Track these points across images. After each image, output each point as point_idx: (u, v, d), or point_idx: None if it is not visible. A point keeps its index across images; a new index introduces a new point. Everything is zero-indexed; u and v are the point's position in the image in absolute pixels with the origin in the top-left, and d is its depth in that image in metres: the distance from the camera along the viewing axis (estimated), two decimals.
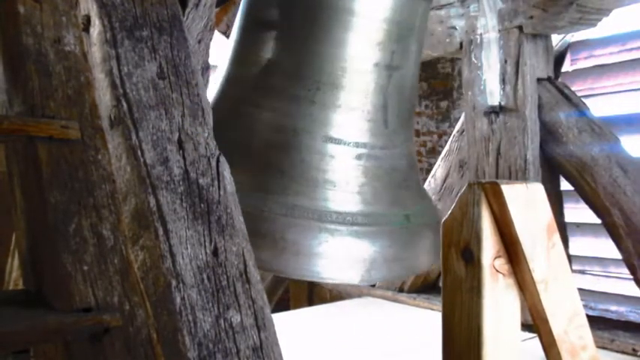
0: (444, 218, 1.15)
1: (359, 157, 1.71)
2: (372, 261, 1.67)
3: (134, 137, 1.24)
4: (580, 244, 3.55)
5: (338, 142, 1.69)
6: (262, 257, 1.42)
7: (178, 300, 1.15)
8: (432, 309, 3.37)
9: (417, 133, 5.61)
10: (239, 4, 1.93)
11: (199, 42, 1.85)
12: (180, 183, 1.25)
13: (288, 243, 1.59)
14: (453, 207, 1.12)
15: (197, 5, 1.71)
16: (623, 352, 2.57)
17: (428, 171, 4.10)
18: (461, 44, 3.00)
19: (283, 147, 1.68)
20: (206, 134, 1.32)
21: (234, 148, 1.57)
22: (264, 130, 1.71)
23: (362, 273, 1.67)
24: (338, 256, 1.64)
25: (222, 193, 1.29)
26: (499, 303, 1.07)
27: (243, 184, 1.48)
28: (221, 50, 2.03)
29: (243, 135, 1.72)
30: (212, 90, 1.89)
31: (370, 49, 1.71)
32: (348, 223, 1.65)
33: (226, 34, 6.15)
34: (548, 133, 2.78)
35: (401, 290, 3.79)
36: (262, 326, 1.23)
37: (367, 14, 1.69)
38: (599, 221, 2.71)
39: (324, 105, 1.68)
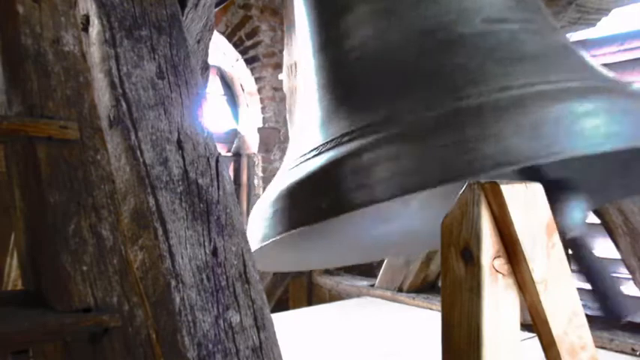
0: (444, 218, 1.15)
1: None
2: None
3: (133, 137, 1.24)
4: None
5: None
6: (516, 147, 1.11)
7: (178, 300, 1.15)
8: (432, 309, 3.37)
9: None
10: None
11: (198, 42, 1.85)
12: (180, 183, 1.25)
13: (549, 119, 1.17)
14: (452, 207, 1.12)
15: (196, 5, 1.71)
16: (622, 352, 2.58)
17: None
18: None
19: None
20: (205, 134, 1.32)
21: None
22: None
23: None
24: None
25: (221, 193, 1.29)
26: (499, 303, 1.07)
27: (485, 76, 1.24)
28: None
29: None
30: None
31: None
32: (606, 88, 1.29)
33: (225, 33, 6.15)
34: None
35: (400, 290, 3.80)
36: (262, 326, 1.23)
37: None
38: (598, 221, 2.71)
39: None
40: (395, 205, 1.87)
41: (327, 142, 1.35)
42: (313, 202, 1.29)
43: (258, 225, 1.47)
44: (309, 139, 1.45)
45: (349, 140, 1.29)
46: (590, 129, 1.16)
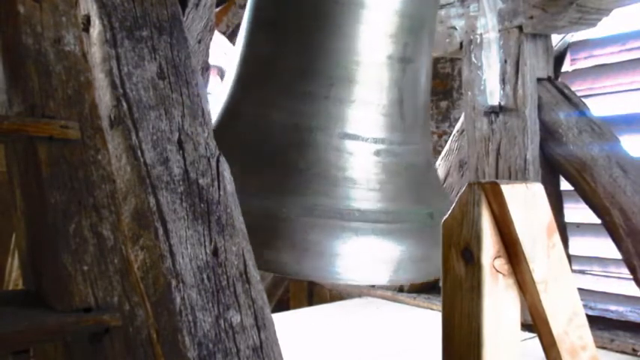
0: (444, 218, 1.15)
1: (377, 153, 1.65)
2: (400, 260, 1.59)
3: (134, 137, 1.24)
4: (580, 244, 3.55)
5: (355, 138, 1.63)
6: (283, 260, 1.36)
7: (178, 300, 1.15)
8: (432, 309, 3.37)
9: None
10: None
11: (199, 42, 1.85)
12: (180, 183, 1.25)
13: (310, 244, 1.52)
14: (452, 207, 1.12)
15: (197, 5, 1.71)
16: (623, 352, 2.57)
17: None
18: (461, 44, 3.00)
19: (300, 145, 1.62)
20: (206, 134, 1.32)
21: (249, 149, 1.54)
22: (280, 129, 1.65)
23: (390, 273, 1.58)
24: (363, 255, 1.55)
25: (222, 193, 1.29)
26: (499, 303, 1.07)
27: (261, 186, 1.44)
28: (229, 52, 2.01)
29: (257, 136, 1.67)
30: (221, 92, 1.85)
31: (383, 41, 1.66)
32: (371, 220, 1.57)
33: (226, 34, 6.16)
34: (548, 133, 2.78)
35: (401, 290, 3.79)
36: (262, 326, 1.23)
37: (378, 6, 1.64)
38: (599, 221, 2.70)
39: (338, 100, 1.63)
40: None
41: None
42: None
43: None
44: None
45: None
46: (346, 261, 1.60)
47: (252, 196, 1.46)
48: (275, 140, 1.65)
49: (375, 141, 1.65)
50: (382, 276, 1.59)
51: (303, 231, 1.52)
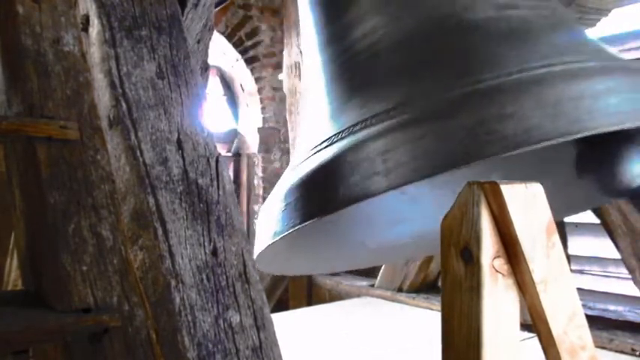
0: (444, 218, 1.14)
1: None
2: None
3: (133, 137, 1.24)
4: (579, 244, 3.56)
5: None
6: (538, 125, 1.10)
7: (178, 300, 1.15)
8: (431, 309, 3.37)
9: None
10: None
11: (198, 42, 1.85)
12: (180, 183, 1.25)
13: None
14: (452, 207, 1.12)
15: (196, 5, 1.71)
16: (622, 352, 2.57)
17: None
18: None
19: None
20: (205, 134, 1.32)
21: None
22: None
23: None
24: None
25: (221, 193, 1.29)
26: (498, 303, 1.07)
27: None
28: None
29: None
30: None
31: None
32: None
33: (225, 33, 6.14)
34: None
35: (400, 290, 3.80)
36: (262, 326, 1.23)
37: None
38: (598, 221, 2.71)
39: None
40: (405, 206, 1.85)
41: (339, 133, 1.32)
42: (328, 191, 1.24)
43: (269, 222, 1.40)
44: (319, 132, 1.42)
45: (363, 128, 1.26)
46: (613, 105, 1.14)
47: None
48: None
49: None
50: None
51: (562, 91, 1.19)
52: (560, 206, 1.73)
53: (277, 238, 1.33)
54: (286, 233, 1.31)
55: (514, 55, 1.26)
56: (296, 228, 1.28)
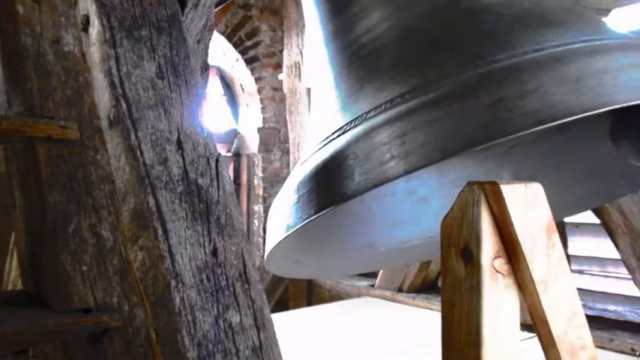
0: (444, 218, 1.14)
1: None
2: None
3: (133, 137, 1.24)
4: (579, 244, 3.56)
5: None
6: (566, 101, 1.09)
7: (178, 300, 1.15)
8: (431, 309, 3.37)
9: None
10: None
11: (198, 42, 1.85)
12: (180, 183, 1.25)
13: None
14: (452, 206, 1.12)
15: (196, 5, 1.71)
16: (622, 352, 2.57)
17: None
18: None
19: None
20: (205, 134, 1.32)
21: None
22: None
23: None
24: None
25: (221, 193, 1.29)
26: (498, 303, 1.07)
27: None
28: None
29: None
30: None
31: None
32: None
33: (225, 34, 6.14)
34: None
35: (400, 290, 3.79)
36: (262, 326, 1.23)
37: None
38: (598, 221, 2.71)
39: None
40: (414, 206, 1.83)
41: (352, 121, 1.28)
42: (344, 179, 1.20)
43: (280, 216, 1.34)
44: (330, 123, 1.37)
45: (377, 114, 1.22)
46: (638, 78, 1.12)
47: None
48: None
49: None
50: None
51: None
52: (566, 204, 1.72)
53: (290, 231, 1.28)
54: (300, 225, 1.26)
55: (530, 36, 1.24)
56: (311, 219, 1.23)
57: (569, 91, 1.09)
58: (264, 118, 6.41)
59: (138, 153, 1.23)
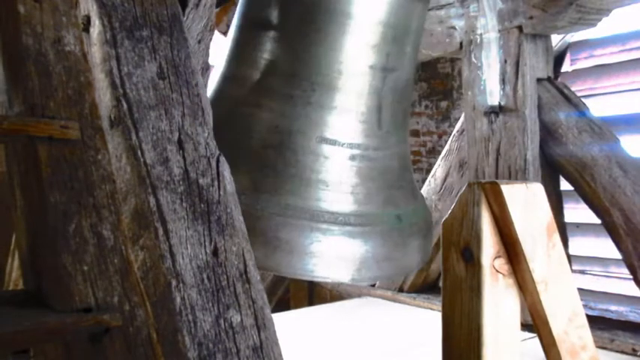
0: (444, 218, 1.15)
1: (352, 157, 1.72)
2: (363, 260, 1.69)
3: (134, 137, 1.24)
4: (580, 244, 3.55)
5: (332, 142, 1.70)
6: (256, 255, 1.43)
7: (178, 300, 1.15)
8: (432, 309, 3.37)
9: (417, 133, 5.61)
10: (237, 4, 1.93)
11: (199, 42, 1.85)
12: (180, 183, 1.25)
13: (281, 242, 1.62)
14: (453, 207, 1.12)
15: (197, 5, 1.71)
16: (622, 352, 2.57)
17: (428, 171, 4.10)
18: (461, 44, 3.00)
19: (278, 147, 1.69)
20: (206, 134, 1.32)
21: (230, 147, 1.56)
22: (261, 129, 1.72)
23: (352, 272, 1.69)
24: (329, 255, 1.66)
25: (222, 193, 1.29)
26: (499, 303, 1.07)
27: (238, 183, 1.48)
28: (219, 49, 2.02)
29: (239, 134, 1.73)
30: (209, 88, 1.89)
31: (365, 51, 1.72)
32: (340, 222, 1.67)
33: (226, 34, 6.15)
34: (548, 133, 2.78)
35: (401, 290, 3.79)
36: (262, 326, 1.23)
37: (363, 17, 1.69)
38: (599, 221, 2.71)
39: (319, 106, 1.69)
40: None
41: None
42: None
43: None
44: None
45: None
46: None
47: None
48: (256, 140, 1.72)
49: (351, 146, 1.73)
50: (346, 274, 1.70)
51: (275, 229, 1.62)
52: None
53: None
54: None
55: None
56: None
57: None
58: None
59: (139, 153, 1.23)
